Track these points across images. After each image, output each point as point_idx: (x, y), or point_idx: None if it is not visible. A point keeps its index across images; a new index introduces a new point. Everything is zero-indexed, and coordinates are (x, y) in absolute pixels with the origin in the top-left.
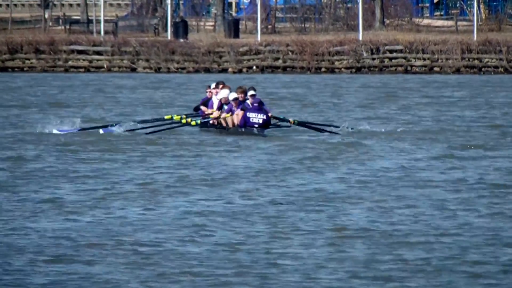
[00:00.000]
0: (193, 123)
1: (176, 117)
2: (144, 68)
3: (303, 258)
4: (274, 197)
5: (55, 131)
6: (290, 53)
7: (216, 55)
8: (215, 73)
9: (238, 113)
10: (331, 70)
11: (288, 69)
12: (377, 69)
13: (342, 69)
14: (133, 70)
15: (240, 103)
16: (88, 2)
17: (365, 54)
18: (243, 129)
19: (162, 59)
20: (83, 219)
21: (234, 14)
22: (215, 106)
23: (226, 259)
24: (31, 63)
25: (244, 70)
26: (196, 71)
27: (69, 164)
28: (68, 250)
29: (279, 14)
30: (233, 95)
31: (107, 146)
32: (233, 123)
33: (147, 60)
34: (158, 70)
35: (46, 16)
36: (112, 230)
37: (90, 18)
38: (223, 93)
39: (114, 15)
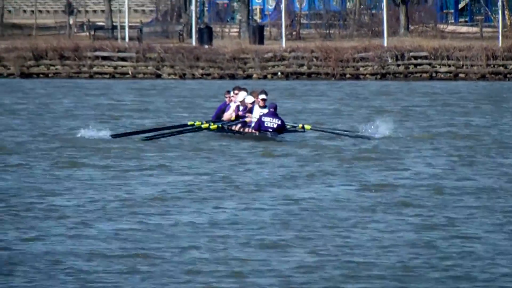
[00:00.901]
0: (213, 127)
1: (197, 123)
2: (169, 74)
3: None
4: (314, 202)
5: (104, 136)
6: (314, 59)
7: (240, 61)
8: (240, 79)
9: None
10: (355, 77)
11: (312, 75)
12: (402, 76)
13: (367, 75)
14: (158, 76)
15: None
16: (112, 8)
17: (390, 61)
18: (257, 133)
19: (187, 66)
20: (133, 225)
21: (258, 20)
22: (231, 110)
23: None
24: (56, 69)
25: (269, 76)
26: (221, 77)
27: (103, 170)
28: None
29: (303, 21)
30: (250, 98)
31: (125, 153)
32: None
33: (172, 67)
34: (183, 76)
35: (71, 22)
36: (169, 235)
37: (114, 24)
38: (241, 95)
39: (138, 21)
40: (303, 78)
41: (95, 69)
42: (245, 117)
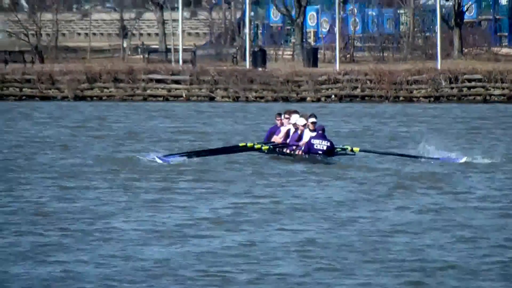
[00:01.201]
0: (264, 148)
1: (249, 144)
2: (223, 97)
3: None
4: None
5: (157, 159)
6: (368, 82)
7: (294, 84)
8: (293, 102)
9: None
10: (409, 99)
11: (366, 98)
12: (455, 98)
13: (420, 98)
14: (212, 99)
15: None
16: (166, 31)
17: (443, 83)
18: (307, 156)
19: (240, 88)
20: (181, 248)
21: (312, 43)
22: (282, 133)
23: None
24: (110, 92)
25: (323, 99)
26: (275, 100)
27: (160, 192)
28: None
29: (357, 43)
30: (302, 121)
31: (180, 175)
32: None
33: (226, 89)
34: (236, 99)
35: (125, 45)
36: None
37: (168, 47)
38: (294, 118)
39: (192, 44)
40: (357, 100)
41: (148, 91)
42: (295, 145)
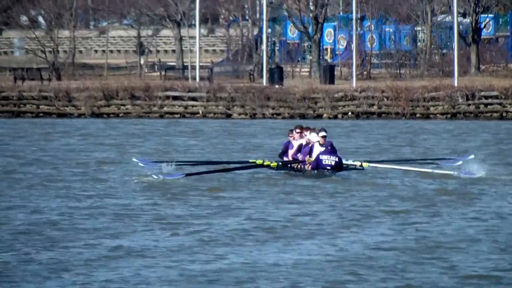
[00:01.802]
0: (273, 165)
1: (258, 161)
2: (239, 114)
3: None
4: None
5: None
6: (385, 99)
7: (311, 101)
8: (310, 119)
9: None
10: (426, 116)
11: (383, 115)
12: (472, 115)
13: (437, 115)
14: (228, 116)
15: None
16: (183, 48)
17: (460, 100)
18: (315, 171)
19: (257, 105)
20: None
21: (329, 60)
22: (294, 148)
23: None
24: (127, 109)
25: (339, 116)
26: (291, 117)
27: (172, 208)
28: None
29: (374, 60)
30: (315, 136)
31: (188, 192)
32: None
33: (243, 106)
34: (253, 116)
35: (142, 62)
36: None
37: (185, 64)
38: (313, 136)
39: (209, 61)
40: (374, 117)
41: (165, 109)
42: (302, 161)
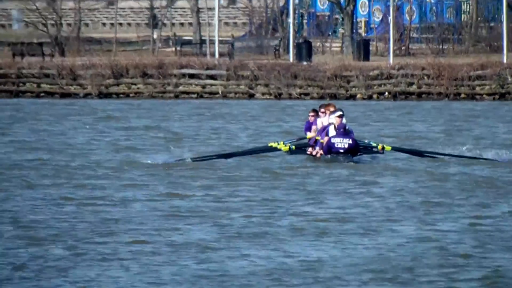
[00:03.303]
0: (284, 149)
1: (274, 144)
2: (263, 94)
3: None
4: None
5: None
6: (425, 77)
7: (343, 79)
8: (342, 99)
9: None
10: (471, 97)
11: (423, 95)
12: None
13: (484, 95)
14: (251, 96)
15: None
16: (201, 21)
17: (510, 79)
18: (329, 156)
19: (283, 84)
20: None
21: (363, 34)
22: (313, 130)
23: None
24: (138, 88)
25: (375, 96)
26: (321, 97)
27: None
28: None
29: (413, 34)
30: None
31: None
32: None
33: (267, 85)
34: (278, 96)
35: (155, 36)
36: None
37: (203, 38)
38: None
39: (230, 36)
40: (413, 98)
41: (181, 88)
42: (313, 145)
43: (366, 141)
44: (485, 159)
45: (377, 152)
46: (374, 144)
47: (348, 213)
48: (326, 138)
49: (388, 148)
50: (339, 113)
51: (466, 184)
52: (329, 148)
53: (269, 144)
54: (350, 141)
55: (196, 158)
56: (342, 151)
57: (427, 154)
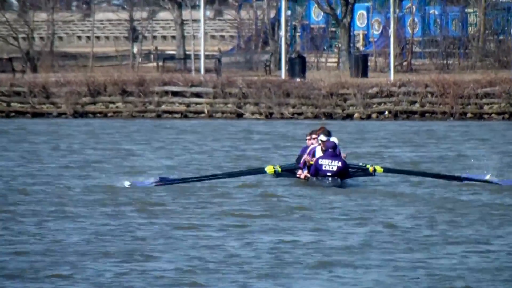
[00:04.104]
0: (270, 171)
1: (268, 169)
2: (253, 113)
3: None
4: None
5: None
6: (429, 95)
7: (339, 97)
8: (339, 119)
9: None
10: (478, 116)
11: (426, 114)
12: None
13: (493, 114)
14: (239, 116)
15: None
16: (185, 34)
17: None
18: (315, 179)
19: (274, 103)
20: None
21: (361, 48)
22: (306, 154)
23: None
24: (117, 107)
25: (374, 115)
26: (316, 116)
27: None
28: None
29: (416, 49)
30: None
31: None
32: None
33: (256, 104)
34: (269, 116)
35: (135, 51)
36: None
37: (187, 53)
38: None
39: (216, 50)
40: (415, 118)
41: (163, 107)
42: (300, 167)
43: (360, 163)
44: (484, 181)
45: (369, 174)
46: (364, 166)
47: (333, 245)
48: (313, 159)
49: (380, 169)
50: (322, 138)
51: (459, 209)
52: (317, 170)
53: (266, 168)
54: (340, 163)
55: (166, 181)
56: (330, 174)
57: (424, 174)
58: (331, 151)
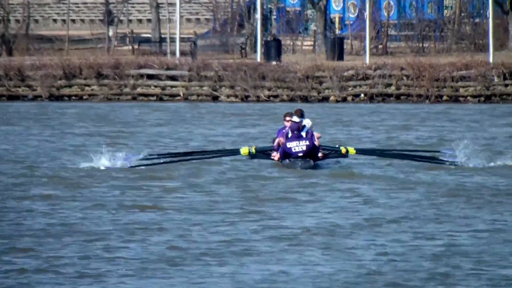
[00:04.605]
0: (244, 152)
1: (245, 149)
2: (228, 96)
3: None
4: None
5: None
6: (405, 78)
7: (315, 80)
8: (314, 102)
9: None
10: (454, 99)
11: (402, 97)
12: (510, 98)
13: (468, 97)
14: (215, 98)
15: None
16: (161, 17)
17: (496, 80)
18: (287, 161)
19: (250, 86)
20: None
21: (337, 31)
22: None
23: None
24: (92, 90)
25: (349, 98)
26: (291, 99)
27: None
28: None
29: (392, 32)
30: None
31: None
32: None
33: (232, 87)
34: (245, 98)
35: (110, 34)
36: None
37: (163, 36)
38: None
39: (192, 33)
40: (391, 100)
41: (139, 90)
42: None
43: (332, 145)
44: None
45: (342, 155)
46: (338, 147)
47: (307, 226)
48: (282, 141)
49: (352, 151)
50: (292, 118)
51: (434, 191)
52: (286, 154)
53: (241, 149)
54: (307, 142)
55: (141, 162)
56: (301, 154)
57: (395, 155)
58: (296, 133)
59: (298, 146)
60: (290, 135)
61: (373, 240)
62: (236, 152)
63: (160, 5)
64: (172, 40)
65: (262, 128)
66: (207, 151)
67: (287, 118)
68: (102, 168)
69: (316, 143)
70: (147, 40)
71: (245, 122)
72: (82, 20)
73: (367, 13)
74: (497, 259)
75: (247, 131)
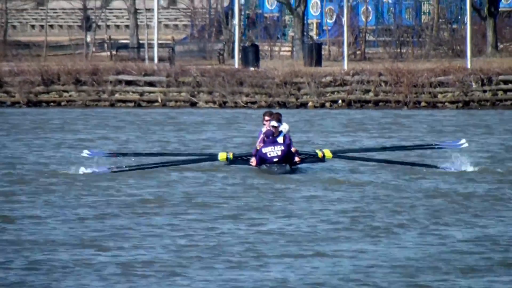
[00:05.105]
0: (221, 158)
1: (221, 155)
2: (206, 102)
3: None
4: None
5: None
6: (383, 84)
7: (293, 86)
8: (292, 108)
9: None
10: (432, 105)
11: (380, 103)
12: (488, 104)
13: (446, 103)
14: (193, 104)
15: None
16: (139, 23)
17: (474, 86)
18: (264, 166)
19: (228, 92)
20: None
21: (315, 37)
22: (260, 138)
23: None
24: (70, 96)
25: (327, 104)
26: (269, 106)
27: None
28: None
29: (370, 37)
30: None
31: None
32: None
33: (210, 93)
34: (223, 104)
35: (88, 39)
36: None
37: (141, 42)
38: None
39: (170, 39)
40: (369, 106)
41: (117, 96)
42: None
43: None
44: (431, 166)
45: (318, 159)
46: (314, 152)
47: (284, 231)
48: (258, 147)
49: (328, 154)
50: (273, 123)
51: (411, 195)
52: (262, 160)
53: (219, 155)
54: (282, 147)
55: (119, 168)
56: (276, 160)
57: (372, 159)
58: (271, 138)
59: (273, 151)
60: (265, 139)
61: (350, 247)
62: (213, 157)
63: (138, 11)
64: (150, 46)
65: (241, 133)
66: (184, 155)
67: (266, 118)
68: (81, 173)
69: (293, 149)
70: (125, 46)
71: (222, 128)
72: (60, 26)
73: (345, 19)
74: (488, 266)
75: (224, 137)
